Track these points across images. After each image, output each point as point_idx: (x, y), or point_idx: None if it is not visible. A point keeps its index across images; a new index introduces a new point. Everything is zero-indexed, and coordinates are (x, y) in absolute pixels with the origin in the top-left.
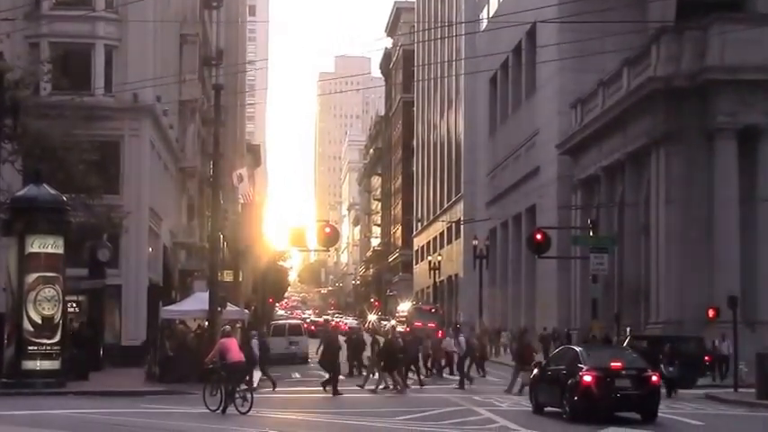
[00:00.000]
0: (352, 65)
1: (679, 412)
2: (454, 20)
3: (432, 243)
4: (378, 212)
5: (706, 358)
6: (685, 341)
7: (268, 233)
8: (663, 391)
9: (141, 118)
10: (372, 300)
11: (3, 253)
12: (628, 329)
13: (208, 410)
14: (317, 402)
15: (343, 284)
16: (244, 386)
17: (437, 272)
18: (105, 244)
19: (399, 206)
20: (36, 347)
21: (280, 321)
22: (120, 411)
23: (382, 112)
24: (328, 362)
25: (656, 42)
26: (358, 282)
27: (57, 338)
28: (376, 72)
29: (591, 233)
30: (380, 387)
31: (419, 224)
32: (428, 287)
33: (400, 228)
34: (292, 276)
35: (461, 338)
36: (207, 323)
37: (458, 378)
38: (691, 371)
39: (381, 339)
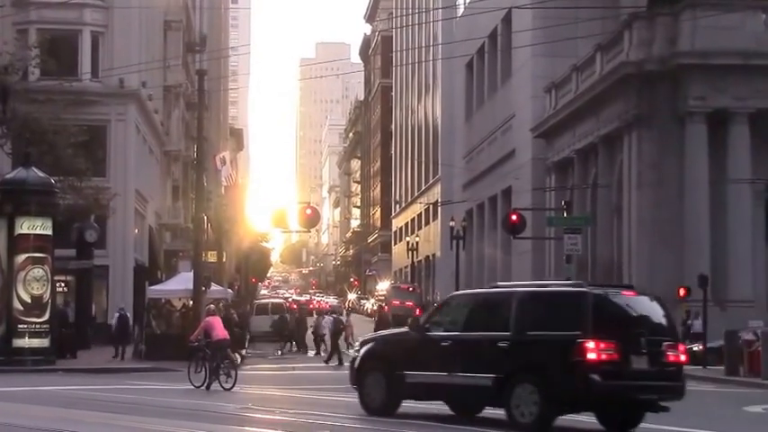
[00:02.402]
0: (333, 51)
1: None
2: (431, 6)
3: (410, 224)
4: (357, 194)
5: None
6: None
7: (250, 215)
8: None
9: (127, 103)
10: (352, 279)
11: None
12: None
13: (192, 387)
14: (300, 378)
15: (323, 264)
16: (228, 362)
17: (415, 252)
18: (92, 225)
19: (378, 188)
20: (26, 326)
21: (263, 300)
22: (108, 388)
23: (361, 97)
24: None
25: (629, 28)
26: (338, 262)
27: (46, 317)
28: (355, 58)
29: (565, 214)
30: None
31: (397, 206)
32: (406, 267)
33: (379, 209)
34: (274, 257)
35: (328, 318)
36: (191, 302)
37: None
38: None
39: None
